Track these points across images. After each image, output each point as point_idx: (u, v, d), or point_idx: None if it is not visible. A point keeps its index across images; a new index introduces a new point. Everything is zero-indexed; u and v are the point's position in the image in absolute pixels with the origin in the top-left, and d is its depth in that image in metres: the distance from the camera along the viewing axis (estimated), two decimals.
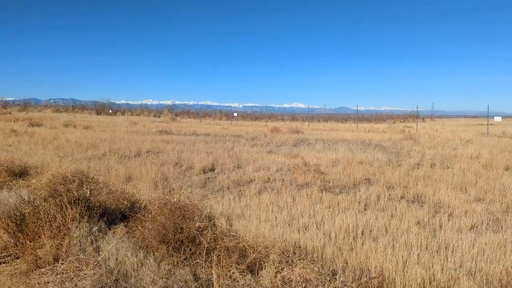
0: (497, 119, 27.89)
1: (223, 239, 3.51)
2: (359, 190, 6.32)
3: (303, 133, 20.29)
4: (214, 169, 8.42)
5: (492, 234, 4.18)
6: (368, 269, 3.30)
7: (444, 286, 2.85)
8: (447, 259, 3.49)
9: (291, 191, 6.31)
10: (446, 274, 3.08)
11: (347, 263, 3.41)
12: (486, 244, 3.84)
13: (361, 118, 49.76)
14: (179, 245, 3.40)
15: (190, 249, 3.38)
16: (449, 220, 4.69)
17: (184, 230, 3.47)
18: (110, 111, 53.15)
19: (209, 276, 2.99)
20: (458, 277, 3.01)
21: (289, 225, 4.57)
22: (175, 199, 3.87)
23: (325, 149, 12.51)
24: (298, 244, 3.77)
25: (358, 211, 5.18)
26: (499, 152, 11.19)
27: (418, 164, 9.34)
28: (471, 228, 4.47)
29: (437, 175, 7.56)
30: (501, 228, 4.44)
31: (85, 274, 2.95)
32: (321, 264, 3.34)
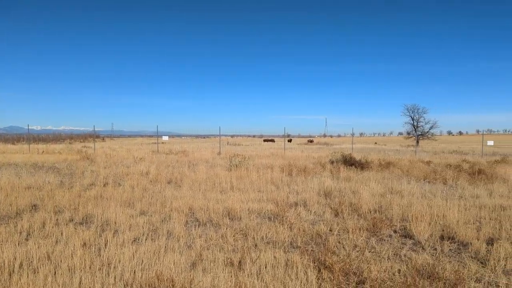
0: (165, 138, 32.88)
1: None
2: (22, 219, 5.55)
3: None
4: None
5: (151, 243, 4.64)
6: None
7: None
8: (108, 275, 3.63)
9: None
10: None
11: None
12: (144, 253, 4.23)
13: (36, 139, 45.29)
14: None
15: None
16: (114, 236, 4.88)
17: None
18: None
19: None
20: None
21: None
22: None
23: None
24: None
25: (18, 243, 4.52)
26: (165, 168, 13.07)
27: (91, 184, 9.33)
28: (134, 240, 4.80)
29: (108, 194, 7.79)
30: (158, 236, 4.99)
31: None
32: None
